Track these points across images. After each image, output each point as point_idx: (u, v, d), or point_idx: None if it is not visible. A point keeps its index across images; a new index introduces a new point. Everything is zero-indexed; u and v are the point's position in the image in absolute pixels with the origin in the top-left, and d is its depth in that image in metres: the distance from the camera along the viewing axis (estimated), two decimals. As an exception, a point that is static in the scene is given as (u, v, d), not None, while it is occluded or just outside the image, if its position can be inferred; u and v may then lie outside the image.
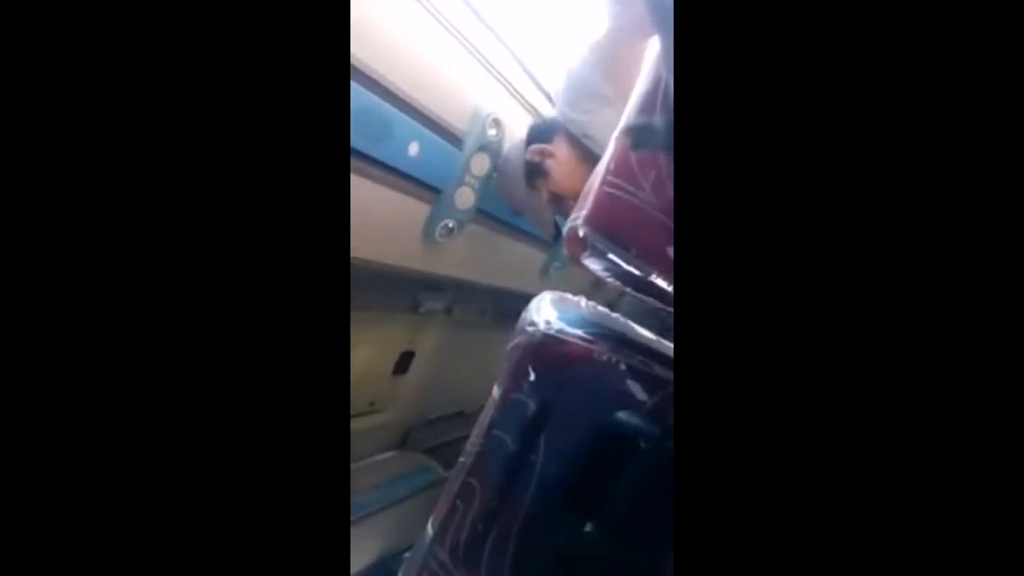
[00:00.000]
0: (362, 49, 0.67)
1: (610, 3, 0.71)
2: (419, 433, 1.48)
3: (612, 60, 0.72)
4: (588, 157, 0.88)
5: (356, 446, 1.25)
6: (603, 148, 0.80)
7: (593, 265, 0.41)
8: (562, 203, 0.94)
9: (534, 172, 0.91)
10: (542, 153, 0.90)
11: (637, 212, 0.35)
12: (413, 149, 0.80)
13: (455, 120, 0.86)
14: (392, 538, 1.13)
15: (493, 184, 0.97)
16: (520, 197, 0.93)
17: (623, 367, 0.42)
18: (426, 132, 0.81)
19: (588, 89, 0.78)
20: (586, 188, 0.40)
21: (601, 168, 0.38)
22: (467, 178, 0.91)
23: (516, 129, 0.96)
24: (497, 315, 1.45)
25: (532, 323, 0.46)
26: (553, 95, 0.88)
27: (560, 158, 0.90)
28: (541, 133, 0.92)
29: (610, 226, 0.36)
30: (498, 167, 0.94)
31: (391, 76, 0.73)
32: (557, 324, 0.45)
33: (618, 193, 0.35)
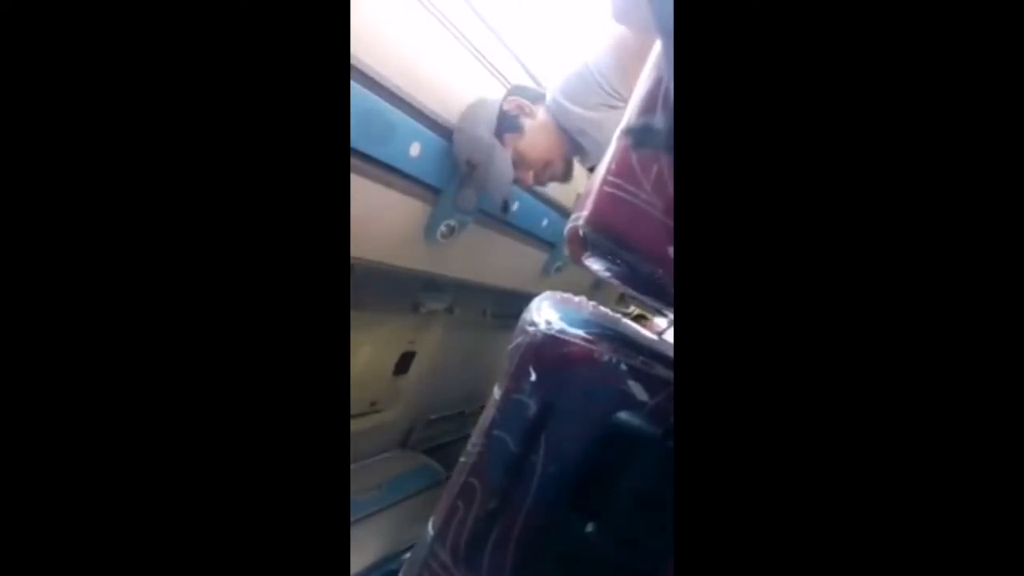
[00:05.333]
0: (363, 49, 0.67)
1: (643, 6, 0.67)
2: (420, 433, 1.48)
3: (634, 63, 0.70)
4: (565, 136, 0.83)
5: (357, 446, 1.25)
6: (596, 147, 0.79)
7: (594, 265, 0.41)
8: (522, 168, 0.86)
9: (507, 124, 0.83)
10: (521, 108, 0.83)
11: (638, 212, 0.35)
12: (414, 149, 0.80)
13: (457, 120, 0.86)
14: (392, 538, 1.13)
15: None
16: (480, 147, 0.83)
17: (624, 367, 0.42)
18: (427, 132, 0.81)
19: (600, 86, 0.74)
20: (586, 188, 0.40)
21: (602, 168, 0.38)
22: (468, 179, 0.91)
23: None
24: (498, 315, 1.45)
25: (533, 323, 0.46)
26: (551, 84, 0.82)
27: (541, 122, 0.83)
28: (524, 93, 0.85)
29: (611, 226, 0.36)
30: (463, 115, 0.85)
31: (392, 77, 0.73)
32: (558, 324, 0.45)
33: (619, 193, 0.35)
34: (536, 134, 0.84)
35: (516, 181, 0.88)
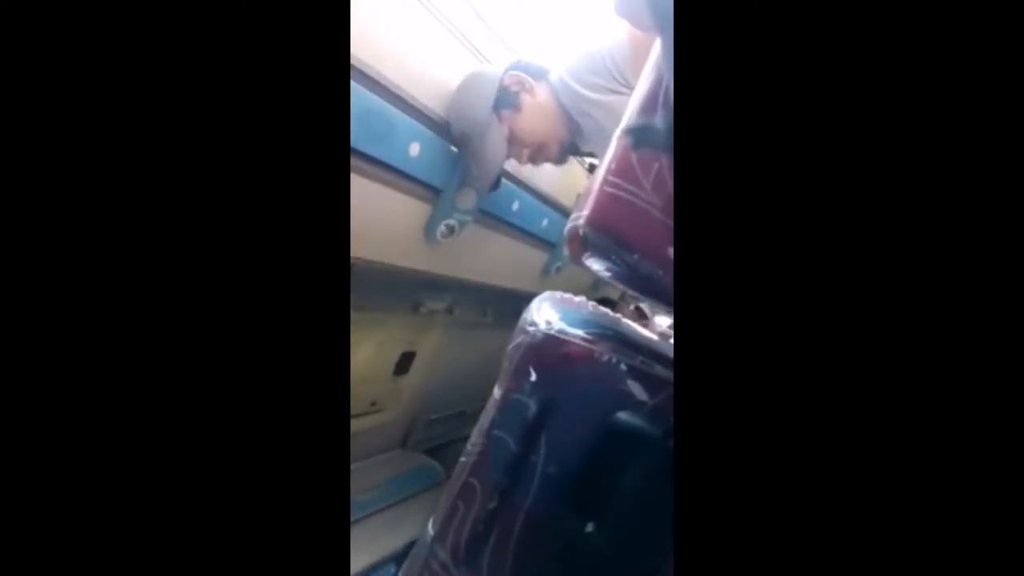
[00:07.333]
0: (362, 49, 0.67)
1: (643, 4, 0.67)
2: (420, 433, 1.49)
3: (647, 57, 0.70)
4: (564, 117, 0.83)
5: (357, 446, 1.25)
6: (597, 130, 0.78)
7: (594, 265, 0.41)
8: (517, 147, 0.86)
9: (505, 100, 0.81)
10: (522, 83, 0.82)
11: (638, 212, 0.35)
12: (414, 149, 0.80)
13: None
14: (392, 538, 1.13)
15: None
16: (476, 123, 0.80)
17: (624, 367, 0.42)
18: (427, 132, 0.81)
19: (609, 71, 0.74)
20: (586, 188, 0.40)
21: (602, 168, 0.38)
22: (468, 178, 0.91)
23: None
24: (498, 315, 1.45)
25: (533, 323, 0.46)
26: (558, 63, 0.82)
27: (540, 100, 0.82)
28: (525, 70, 0.84)
29: (611, 226, 0.36)
30: (460, 85, 0.82)
31: (392, 77, 0.73)
32: (558, 324, 0.45)
33: (619, 193, 0.35)
34: (534, 113, 0.83)
35: (510, 157, 0.87)
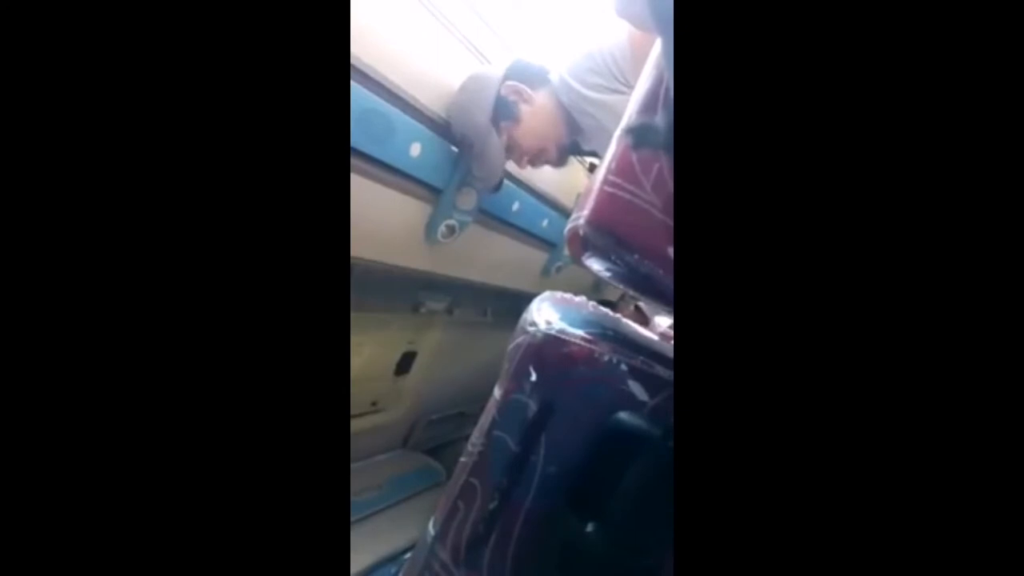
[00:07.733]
0: (363, 49, 0.67)
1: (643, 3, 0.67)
2: (420, 433, 1.49)
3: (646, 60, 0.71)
4: (568, 121, 0.83)
5: (357, 446, 1.25)
6: (597, 128, 0.78)
7: (594, 265, 0.41)
8: (516, 154, 0.86)
9: (503, 111, 0.82)
10: (519, 94, 0.83)
11: (638, 212, 0.35)
12: (415, 149, 0.80)
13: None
14: (392, 538, 1.13)
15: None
16: (477, 127, 0.80)
17: (624, 367, 0.42)
18: (428, 132, 0.81)
19: (610, 71, 0.75)
20: (586, 188, 0.40)
21: (602, 168, 0.38)
22: (469, 178, 0.91)
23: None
24: (497, 315, 1.45)
25: (533, 323, 0.46)
26: (559, 62, 0.82)
27: (538, 108, 0.83)
28: (524, 75, 0.84)
29: (611, 226, 0.36)
30: (461, 87, 0.82)
31: (393, 77, 0.73)
32: (558, 324, 0.45)
33: (619, 193, 0.35)
34: (532, 121, 0.83)
35: (509, 160, 0.88)
